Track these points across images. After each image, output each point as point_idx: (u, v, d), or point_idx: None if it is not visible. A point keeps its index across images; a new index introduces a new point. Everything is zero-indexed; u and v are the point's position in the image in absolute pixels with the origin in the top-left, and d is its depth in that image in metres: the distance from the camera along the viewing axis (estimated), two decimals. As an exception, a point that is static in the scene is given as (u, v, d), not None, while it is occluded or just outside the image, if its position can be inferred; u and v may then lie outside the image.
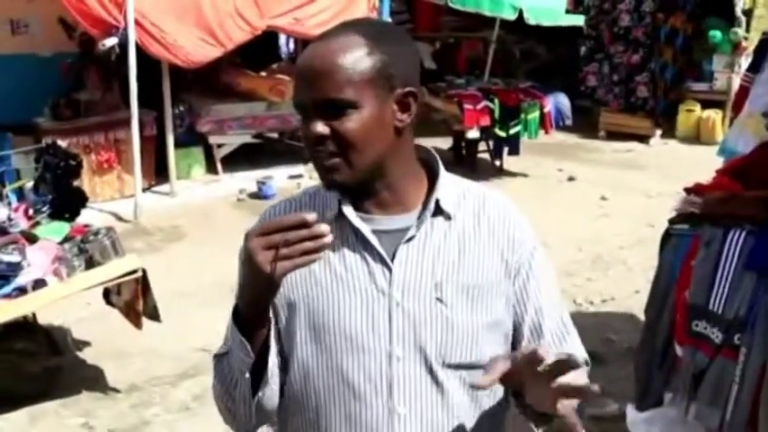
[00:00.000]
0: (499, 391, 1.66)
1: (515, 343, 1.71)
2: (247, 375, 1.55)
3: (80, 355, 5.23)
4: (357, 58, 1.54)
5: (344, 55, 1.54)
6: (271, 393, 1.62)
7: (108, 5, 7.63)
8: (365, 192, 1.64)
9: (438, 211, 1.65)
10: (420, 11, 13.54)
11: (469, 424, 1.65)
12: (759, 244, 2.97)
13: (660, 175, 9.60)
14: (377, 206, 1.65)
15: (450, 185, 1.70)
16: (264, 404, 1.62)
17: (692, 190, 3.41)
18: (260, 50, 10.25)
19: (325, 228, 1.39)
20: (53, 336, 4.97)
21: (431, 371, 1.61)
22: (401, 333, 1.60)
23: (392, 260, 1.62)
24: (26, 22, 8.80)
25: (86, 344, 5.36)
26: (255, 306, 1.51)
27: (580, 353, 1.73)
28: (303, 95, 1.57)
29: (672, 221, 3.38)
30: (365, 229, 1.63)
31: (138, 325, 4.78)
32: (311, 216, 1.39)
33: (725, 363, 2.99)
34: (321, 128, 1.55)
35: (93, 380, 5.00)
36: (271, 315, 1.56)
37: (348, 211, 1.64)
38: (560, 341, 1.71)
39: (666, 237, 3.39)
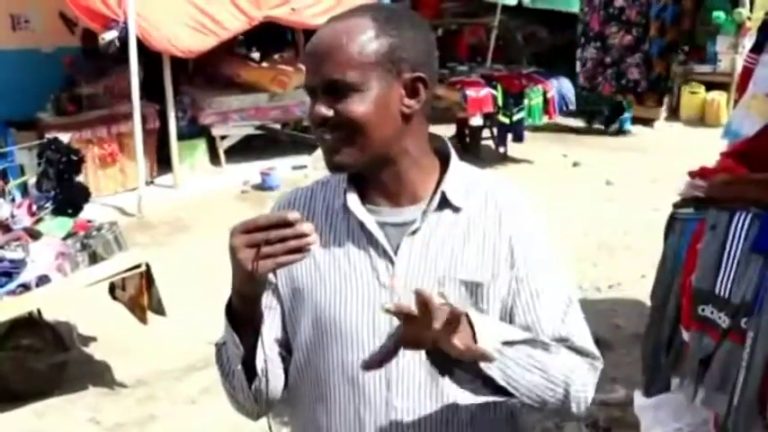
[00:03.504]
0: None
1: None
2: (239, 367, 1.56)
3: (86, 350, 5.24)
4: (363, 41, 1.53)
5: (350, 37, 1.53)
6: (268, 383, 1.61)
7: (108, -1, 7.62)
8: (372, 181, 1.63)
9: (445, 203, 1.62)
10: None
11: (467, 419, 1.63)
12: (765, 227, 2.94)
13: (665, 158, 9.56)
14: (385, 197, 1.63)
15: (461, 176, 1.67)
16: (262, 393, 1.62)
17: (696, 173, 3.37)
18: (266, 39, 10.25)
19: (308, 227, 1.37)
20: (59, 332, 4.97)
21: (429, 368, 1.57)
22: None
23: (396, 253, 1.60)
24: (27, 18, 8.77)
25: (92, 339, 5.36)
26: (244, 301, 1.51)
27: (582, 342, 1.65)
28: (310, 77, 1.57)
29: (676, 205, 3.35)
30: (370, 221, 1.61)
31: (143, 320, 4.77)
32: (293, 215, 1.37)
33: (732, 347, 2.96)
34: (324, 109, 1.54)
35: (100, 375, 5.00)
36: (264, 307, 1.56)
37: (353, 202, 1.62)
38: (556, 328, 1.63)
39: (671, 221, 3.36)
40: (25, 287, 4.37)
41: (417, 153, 1.63)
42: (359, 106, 1.53)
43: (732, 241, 3.00)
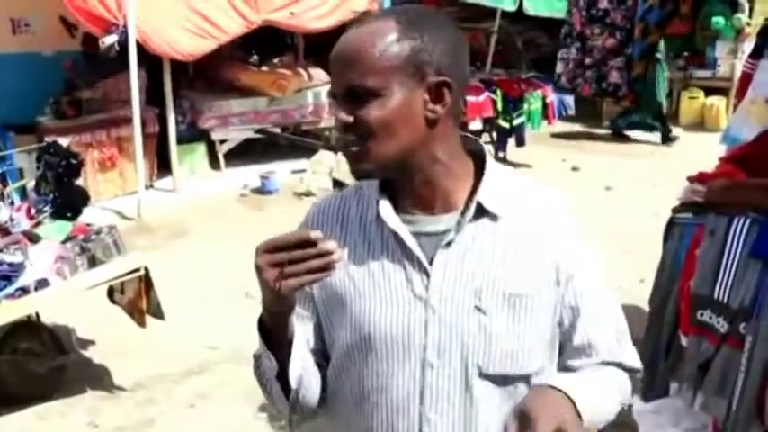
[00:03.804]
0: None
1: (563, 352, 1.67)
2: (275, 382, 1.56)
3: (85, 353, 5.23)
4: (384, 45, 1.49)
5: (371, 41, 1.49)
6: (304, 394, 1.61)
7: (108, 3, 7.62)
8: (404, 188, 1.59)
9: (481, 212, 1.57)
10: (422, 2, 13.49)
11: None
12: (763, 232, 2.94)
13: (664, 163, 9.56)
14: (418, 205, 1.59)
15: (500, 181, 1.61)
16: (300, 403, 1.61)
17: (695, 178, 3.38)
18: (266, 43, 10.26)
19: (331, 245, 1.36)
20: (57, 335, 4.96)
21: (465, 380, 1.56)
22: (437, 341, 1.55)
23: (431, 265, 1.56)
24: (27, 21, 8.77)
25: (91, 343, 5.36)
26: (274, 318, 1.50)
27: (632, 361, 1.71)
28: (333, 83, 1.55)
29: (675, 210, 3.36)
30: (404, 231, 1.57)
31: (142, 323, 4.77)
32: (315, 233, 1.36)
33: (730, 352, 2.97)
34: (344, 116, 1.52)
35: (99, 378, 5.00)
36: (299, 317, 1.56)
37: (386, 212, 1.58)
38: (612, 351, 1.67)
39: (670, 226, 3.37)
40: (24, 290, 4.36)
41: (448, 159, 1.57)
42: (378, 112, 1.49)
43: (731, 246, 3.01)
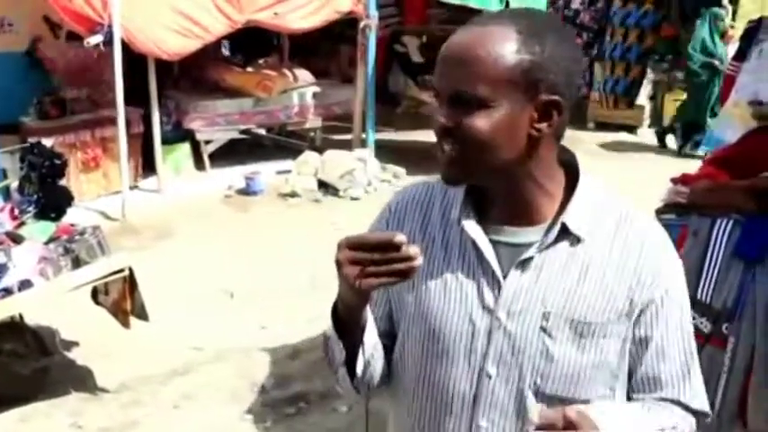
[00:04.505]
0: None
1: (631, 384, 1.62)
2: (342, 366, 1.57)
3: (69, 355, 5.20)
4: (502, 54, 1.41)
5: (489, 47, 1.42)
6: (369, 376, 1.60)
7: (93, 2, 7.59)
8: (490, 196, 1.56)
9: (565, 231, 1.52)
10: (408, 4, 13.49)
11: None
12: (746, 233, 2.97)
13: (647, 164, 9.60)
14: (503, 215, 1.55)
15: (590, 200, 1.55)
16: (365, 384, 1.61)
17: (678, 180, 3.40)
18: (252, 44, 10.25)
19: (413, 250, 1.33)
20: (41, 336, 4.94)
21: (520, 396, 1.54)
22: (498, 354, 1.54)
23: (504, 278, 1.53)
24: (10, 21, 8.72)
25: (75, 344, 5.33)
26: (348, 309, 1.50)
27: (699, 399, 1.63)
28: (438, 81, 1.48)
29: (659, 211, 3.38)
30: (482, 239, 1.55)
31: (126, 324, 4.75)
32: (400, 237, 1.33)
33: (714, 352, 2.99)
34: (445, 120, 1.47)
35: (82, 380, 4.97)
36: (369, 311, 1.55)
37: (467, 217, 1.56)
38: (680, 388, 1.60)
39: (654, 227, 3.38)
40: (7, 291, 4.33)
41: (542, 177, 1.52)
42: (484, 123, 1.43)
43: (714, 247, 3.03)
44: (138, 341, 5.06)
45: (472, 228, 1.55)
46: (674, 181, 3.41)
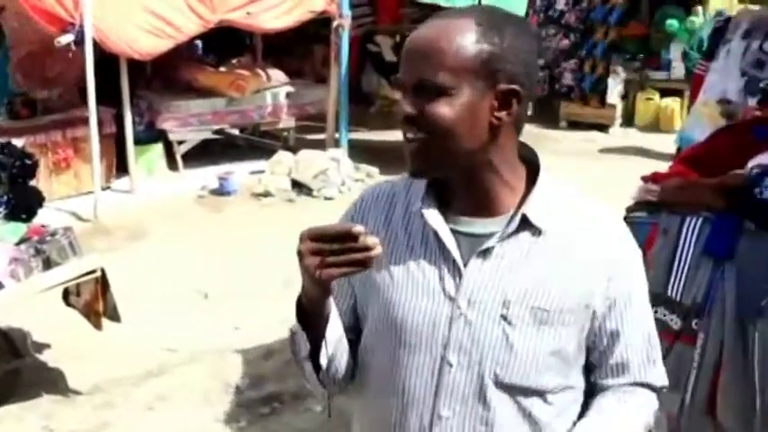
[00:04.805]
0: (554, 421, 1.62)
1: (596, 370, 1.69)
2: (308, 360, 1.60)
3: (40, 357, 5.16)
4: (462, 44, 1.48)
5: (450, 38, 1.48)
6: (335, 371, 1.64)
7: (65, 2, 7.53)
8: (452, 188, 1.60)
9: (525, 223, 1.56)
10: (381, 3, 13.50)
11: None
12: (715, 230, 3.00)
13: (619, 163, 9.68)
14: (465, 206, 1.60)
15: (550, 194, 1.60)
16: (331, 379, 1.65)
17: (649, 178, 3.43)
18: (224, 44, 10.21)
19: (371, 241, 1.39)
20: (12, 338, 4.88)
21: (481, 386, 1.57)
22: (458, 342, 1.57)
23: (465, 267, 1.57)
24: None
25: (46, 346, 5.28)
26: (311, 301, 1.53)
27: (661, 380, 1.74)
28: (403, 74, 1.54)
29: (630, 209, 3.40)
30: (443, 229, 1.58)
31: (98, 326, 4.71)
32: (358, 228, 1.38)
33: (684, 348, 3.02)
34: (409, 108, 1.52)
35: (54, 382, 4.93)
36: (335, 297, 1.59)
37: (429, 208, 1.59)
38: (643, 371, 1.69)
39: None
40: (-23, 293, 4.29)
41: (502, 166, 1.57)
42: (446, 110, 1.48)
43: (683, 244, 3.06)
44: (110, 343, 5.02)
45: (433, 217, 1.59)
46: (645, 179, 3.44)
